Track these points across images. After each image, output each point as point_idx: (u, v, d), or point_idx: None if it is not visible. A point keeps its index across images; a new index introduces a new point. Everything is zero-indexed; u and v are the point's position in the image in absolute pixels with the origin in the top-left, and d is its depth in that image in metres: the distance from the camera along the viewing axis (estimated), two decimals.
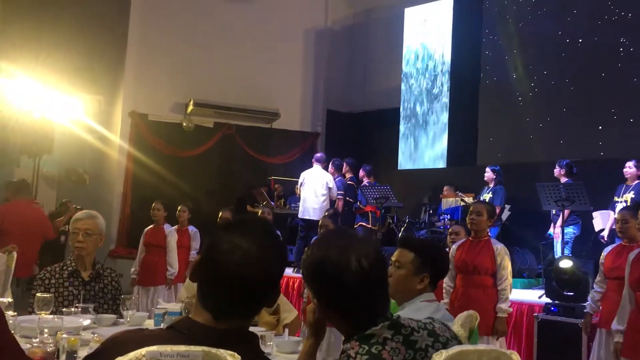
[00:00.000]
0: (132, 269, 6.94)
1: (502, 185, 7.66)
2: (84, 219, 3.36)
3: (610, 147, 8.40)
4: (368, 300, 1.59)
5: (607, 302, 4.47)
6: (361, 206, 8.95)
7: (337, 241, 1.63)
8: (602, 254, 4.64)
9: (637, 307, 3.74)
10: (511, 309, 4.78)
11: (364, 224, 8.79)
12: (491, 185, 7.74)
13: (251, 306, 1.42)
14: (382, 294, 1.63)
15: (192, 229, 7.35)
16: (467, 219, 4.70)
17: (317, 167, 8.77)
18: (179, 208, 7.31)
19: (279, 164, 11.32)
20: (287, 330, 3.03)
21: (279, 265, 1.44)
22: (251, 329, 2.64)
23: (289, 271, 7.25)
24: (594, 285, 4.62)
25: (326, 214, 7.02)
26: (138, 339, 1.35)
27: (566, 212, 6.89)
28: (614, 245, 4.68)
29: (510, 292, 4.59)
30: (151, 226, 6.95)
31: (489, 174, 7.76)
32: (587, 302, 4.66)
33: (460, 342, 1.72)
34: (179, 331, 1.37)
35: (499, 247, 4.58)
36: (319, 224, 5.95)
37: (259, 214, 7.06)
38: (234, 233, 1.39)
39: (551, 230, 7.40)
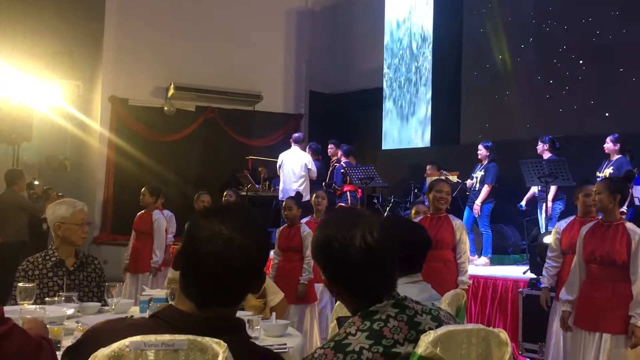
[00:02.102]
0: (125, 254, 6.91)
1: (495, 163, 7.54)
2: (84, 210, 3.32)
3: (593, 123, 8.46)
4: (374, 276, 1.61)
5: (565, 276, 4.47)
6: (336, 187, 8.81)
7: (342, 219, 1.67)
8: (556, 228, 4.70)
9: (589, 279, 3.89)
10: (470, 282, 4.89)
11: (342, 204, 8.36)
12: (485, 162, 7.61)
13: (234, 294, 1.40)
14: (389, 271, 1.65)
15: (167, 213, 7.25)
16: (437, 197, 4.72)
17: (295, 148, 8.64)
18: (142, 191, 7.08)
19: (263, 146, 11.25)
20: (274, 314, 3.03)
21: (262, 251, 1.42)
22: (238, 313, 2.62)
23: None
24: (548, 260, 4.64)
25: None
26: (121, 328, 1.32)
27: (553, 191, 6.96)
28: (568, 220, 4.69)
29: (468, 265, 4.73)
30: (142, 211, 6.87)
31: (482, 151, 7.62)
32: (543, 276, 4.69)
33: None
34: (163, 320, 1.35)
35: (457, 223, 4.73)
36: (283, 205, 5.88)
37: (224, 197, 6.92)
38: (214, 220, 1.36)
39: (522, 202, 7.51)
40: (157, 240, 6.68)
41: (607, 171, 6.67)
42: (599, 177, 6.68)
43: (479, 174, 7.61)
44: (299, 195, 7.12)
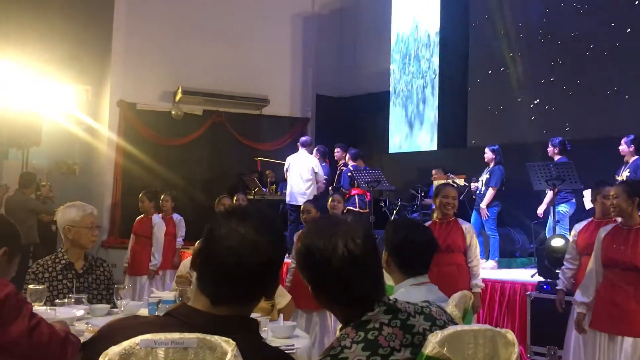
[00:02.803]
0: (125, 257, 6.98)
1: (500, 165, 7.51)
2: (93, 213, 3.36)
3: (603, 125, 8.42)
4: (358, 285, 1.56)
5: (582, 278, 4.48)
6: (344, 191, 8.82)
7: (324, 227, 1.61)
8: (573, 231, 4.68)
9: (608, 282, 3.84)
10: (483, 285, 4.87)
11: (351, 207, 8.50)
12: (491, 166, 7.59)
13: (249, 292, 1.42)
14: (374, 278, 1.61)
15: (176, 216, 7.31)
16: (443, 202, 4.71)
17: (302, 152, 8.66)
18: (162, 197, 7.24)
19: (270, 150, 11.27)
20: (282, 316, 3.04)
21: (277, 251, 1.44)
22: None
23: None
24: (565, 262, 4.62)
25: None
26: (134, 326, 1.35)
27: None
28: (585, 222, 4.66)
29: (479, 268, 4.71)
30: (142, 216, 6.94)
31: (488, 154, 7.60)
32: (559, 279, 4.67)
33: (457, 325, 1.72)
34: (176, 318, 1.37)
35: (467, 227, 4.71)
36: (301, 209, 5.91)
37: (233, 200, 6.97)
38: (232, 219, 1.41)
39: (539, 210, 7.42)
40: (155, 243, 6.75)
41: (624, 174, 6.60)
42: (617, 180, 6.62)
43: (484, 177, 7.60)
44: (316, 199, 7.16)
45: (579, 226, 4.65)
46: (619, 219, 4.03)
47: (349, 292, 1.57)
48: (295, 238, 5.60)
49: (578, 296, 4.02)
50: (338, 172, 9.15)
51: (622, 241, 3.80)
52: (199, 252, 1.43)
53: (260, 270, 1.40)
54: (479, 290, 4.59)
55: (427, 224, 4.81)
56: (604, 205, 4.46)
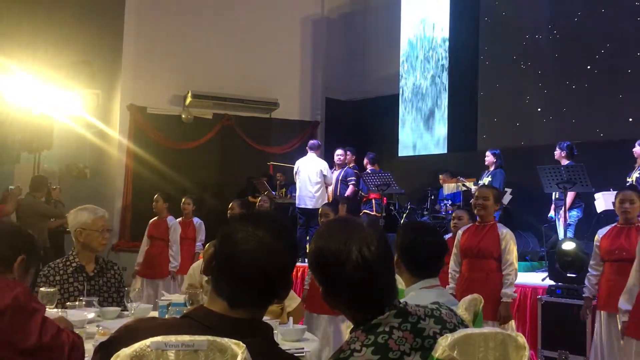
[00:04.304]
0: (136, 261, 6.96)
1: (502, 169, 7.66)
2: (105, 216, 3.37)
3: (611, 128, 8.37)
4: (371, 291, 1.55)
5: (605, 284, 4.45)
6: (363, 194, 8.93)
7: (338, 230, 1.59)
8: (597, 236, 4.62)
9: None
10: (516, 295, 4.75)
11: (367, 211, 8.73)
12: (491, 169, 7.74)
13: (265, 294, 1.46)
14: (388, 283, 1.60)
15: (196, 220, 7.32)
16: (472, 203, 4.68)
17: (311, 155, 8.67)
18: (183, 200, 7.28)
19: (279, 153, 11.29)
20: (291, 319, 3.04)
21: (291, 255, 1.49)
22: None
23: None
24: (590, 269, 4.59)
25: (343, 200, 6.87)
26: (152, 327, 1.37)
27: (570, 197, 6.89)
28: (608, 227, 4.62)
29: (516, 277, 4.54)
30: (155, 218, 6.94)
31: (489, 157, 7.77)
32: (585, 286, 4.63)
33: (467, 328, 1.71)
34: (194, 320, 1.40)
35: (505, 232, 4.55)
36: (319, 212, 5.87)
37: (257, 202, 7.01)
38: (248, 224, 1.45)
39: (551, 213, 7.39)
40: (175, 245, 6.74)
41: (635, 175, 6.58)
42: (628, 182, 6.61)
43: (485, 180, 7.63)
44: (335, 202, 7.15)
45: (602, 231, 4.59)
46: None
47: (359, 297, 1.56)
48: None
49: (622, 304, 3.83)
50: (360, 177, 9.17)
51: None
52: (215, 256, 1.45)
53: (276, 274, 1.44)
54: (509, 300, 4.42)
55: (464, 228, 4.72)
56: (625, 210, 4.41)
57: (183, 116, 10.77)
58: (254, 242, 1.42)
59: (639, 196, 3.85)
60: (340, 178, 8.84)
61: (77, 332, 2.30)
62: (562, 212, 6.66)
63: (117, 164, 10.47)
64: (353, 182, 8.76)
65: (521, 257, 7.85)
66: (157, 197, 6.89)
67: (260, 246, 1.42)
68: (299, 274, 7.24)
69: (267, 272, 1.42)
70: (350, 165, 9.28)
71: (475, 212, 4.67)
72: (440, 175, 8.86)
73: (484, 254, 4.49)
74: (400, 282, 2.40)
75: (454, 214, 5.77)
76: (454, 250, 4.73)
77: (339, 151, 9.01)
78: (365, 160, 9.11)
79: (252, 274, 1.41)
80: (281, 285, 1.47)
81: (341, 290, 1.56)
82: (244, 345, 1.27)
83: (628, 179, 6.62)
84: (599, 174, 6.72)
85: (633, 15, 8.35)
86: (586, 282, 4.61)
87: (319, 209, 6.11)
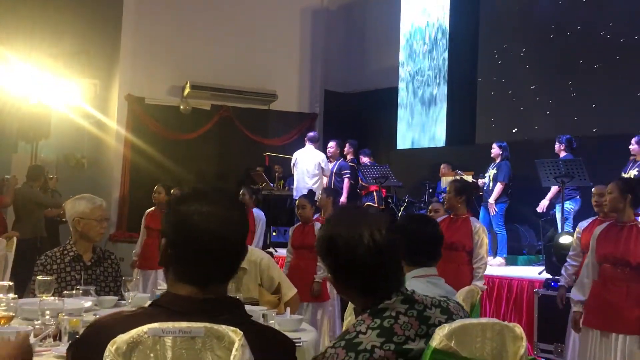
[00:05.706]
0: (134, 251, 6.94)
1: (507, 161, 7.56)
2: (103, 206, 3.36)
3: (610, 123, 8.37)
4: (382, 275, 1.59)
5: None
6: (364, 184, 8.93)
7: (349, 217, 1.65)
8: (578, 228, 4.72)
9: (602, 280, 3.84)
10: (486, 287, 4.83)
11: (370, 203, 8.66)
12: (497, 161, 7.65)
13: (230, 268, 1.45)
14: (396, 269, 1.64)
15: None
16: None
17: (309, 147, 8.66)
18: (156, 189, 6.95)
19: (278, 145, 11.28)
20: (288, 309, 3.04)
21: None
22: (253, 308, 2.63)
23: (282, 252, 7.21)
24: (568, 259, 4.65)
25: (325, 193, 6.87)
26: (122, 320, 1.35)
27: (552, 192, 6.92)
28: (589, 220, 4.70)
29: (485, 270, 4.63)
30: (152, 209, 6.91)
31: (495, 149, 7.67)
32: (561, 275, 4.68)
33: None
34: (163, 307, 1.38)
35: (478, 226, 4.65)
36: (296, 203, 5.85)
37: (240, 195, 6.92)
38: (202, 203, 1.43)
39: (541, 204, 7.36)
40: None
41: (632, 172, 6.58)
42: None
43: (491, 172, 7.61)
44: (311, 193, 7.12)
45: (583, 224, 4.68)
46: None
47: (369, 281, 1.60)
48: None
49: (574, 294, 3.99)
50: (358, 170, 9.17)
51: (615, 237, 3.80)
52: (171, 244, 1.42)
53: (239, 245, 1.45)
54: (480, 293, 4.50)
55: (439, 220, 4.81)
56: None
57: (181, 107, 10.74)
58: (215, 220, 1.40)
59: (617, 187, 3.85)
60: (334, 171, 8.81)
61: (74, 319, 2.30)
62: (560, 206, 6.66)
63: (115, 154, 10.44)
64: (348, 175, 8.69)
65: (518, 251, 7.89)
66: (159, 188, 6.82)
67: (221, 223, 1.41)
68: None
69: (232, 245, 1.42)
70: (348, 159, 9.26)
71: (446, 205, 4.80)
72: (442, 165, 8.84)
73: (456, 247, 4.55)
74: None
75: (430, 207, 5.85)
76: None
77: (331, 143, 9.02)
78: (360, 156, 9.19)
79: (218, 252, 1.40)
80: (243, 253, 1.47)
81: (352, 274, 1.60)
82: (241, 333, 1.27)
83: (623, 174, 6.61)
84: (598, 168, 6.72)
85: (632, 10, 8.33)
86: (563, 271, 4.66)
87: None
